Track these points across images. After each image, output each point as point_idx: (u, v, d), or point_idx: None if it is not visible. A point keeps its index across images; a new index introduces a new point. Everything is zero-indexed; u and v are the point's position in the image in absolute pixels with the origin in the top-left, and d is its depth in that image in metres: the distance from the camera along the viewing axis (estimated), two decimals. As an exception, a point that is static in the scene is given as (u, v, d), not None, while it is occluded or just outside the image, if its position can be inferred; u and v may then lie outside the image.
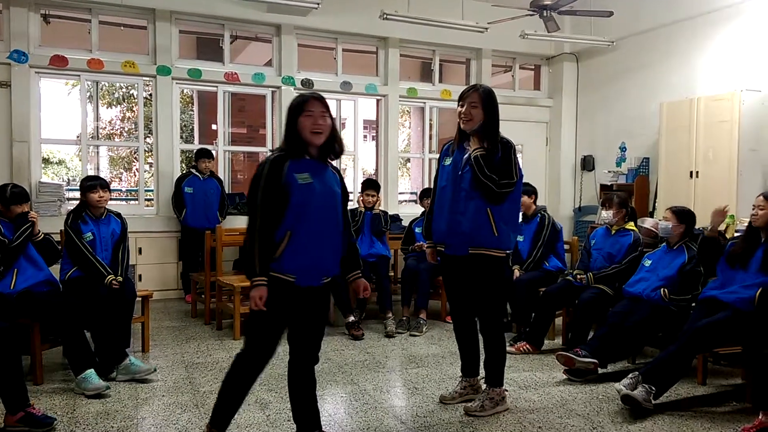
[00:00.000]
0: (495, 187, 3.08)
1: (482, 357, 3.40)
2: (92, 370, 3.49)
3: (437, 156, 8.20)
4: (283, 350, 4.16)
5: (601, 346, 3.83)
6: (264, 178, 2.45)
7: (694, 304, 3.86)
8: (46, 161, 12.34)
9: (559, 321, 4.79)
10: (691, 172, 6.10)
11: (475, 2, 7.01)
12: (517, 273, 4.84)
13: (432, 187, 3.50)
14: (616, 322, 3.88)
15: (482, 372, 3.42)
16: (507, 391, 3.40)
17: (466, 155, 3.19)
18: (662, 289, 3.85)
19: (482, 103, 3.17)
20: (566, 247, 5.30)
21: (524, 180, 5.21)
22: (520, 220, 5.11)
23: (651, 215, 6.48)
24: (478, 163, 3.10)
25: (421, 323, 5.05)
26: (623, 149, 7.29)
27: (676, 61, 6.72)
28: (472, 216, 3.14)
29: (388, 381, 3.82)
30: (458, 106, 3.26)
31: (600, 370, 3.84)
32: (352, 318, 4.91)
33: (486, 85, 3.31)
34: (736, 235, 4.52)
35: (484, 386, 3.39)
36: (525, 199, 4.89)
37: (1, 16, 5.96)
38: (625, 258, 4.32)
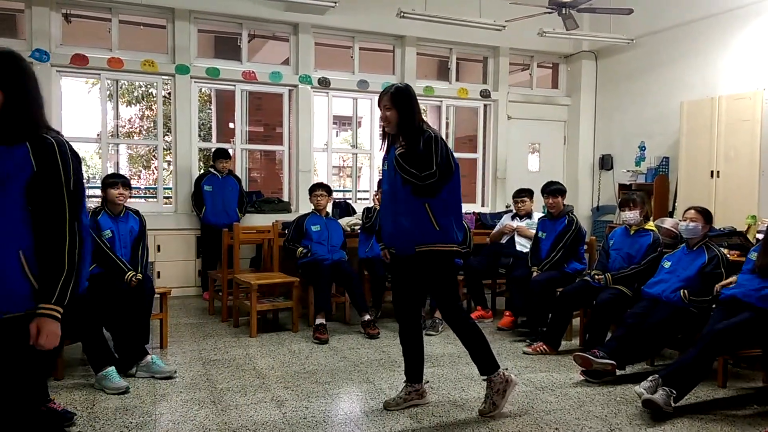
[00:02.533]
0: (418, 180, 3.07)
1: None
2: (113, 367, 3.54)
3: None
4: (297, 348, 4.14)
5: (619, 348, 3.79)
6: None
7: (714, 306, 3.80)
8: (66, 159, 12.49)
9: (576, 322, 4.74)
10: (712, 172, 6.02)
11: (493, 0, 6.96)
12: (535, 273, 4.81)
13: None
14: (635, 323, 3.84)
15: (429, 376, 3.41)
16: (507, 369, 3.36)
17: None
18: (682, 291, 3.80)
19: (393, 104, 3.17)
20: (584, 247, 5.26)
21: (542, 180, 5.26)
22: (542, 217, 5.11)
23: (671, 215, 6.40)
24: (398, 162, 3.11)
25: (437, 323, 5.03)
26: (642, 148, 7.21)
27: (697, 60, 6.62)
28: (411, 215, 3.14)
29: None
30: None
31: (618, 372, 3.80)
32: (367, 316, 4.91)
33: (401, 83, 3.31)
34: (758, 236, 4.46)
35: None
36: (559, 199, 4.90)
37: (23, 16, 6.05)
38: (645, 259, 4.26)
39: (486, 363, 3.26)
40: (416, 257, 3.17)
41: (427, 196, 3.11)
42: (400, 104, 3.17)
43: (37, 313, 1.72)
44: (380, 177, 3.48)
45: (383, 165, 3.36)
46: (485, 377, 3.28)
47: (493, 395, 3.24)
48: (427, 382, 3.47)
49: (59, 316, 1.74)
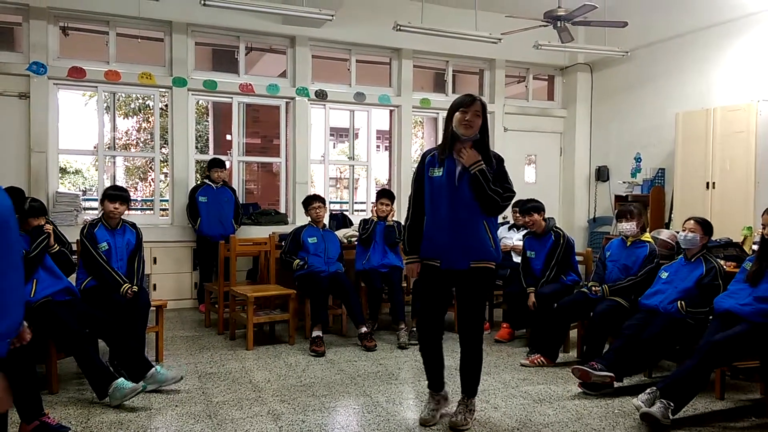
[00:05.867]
0: (500, 200, 3.12)
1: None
2: (120, 379, 3.44)
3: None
4: (294, 361, 4.12)
5: (617, 360, 3.78)
6: None
7: (711, 317, 3.80)
8: (63, 171, 12.52)
9: (573, 334, 4.73)
10: (708, 183, 6.04)
11: (489, 13, 7.02)
12: (532, 298, 4.65)
13: (411, 198, 3.37)
14: (632, 334, 3.83)
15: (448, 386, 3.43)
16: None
17: (459, 167, 3.15)
18: (680, 302, 3.80)
19: (483, 114, 3.20)
20: (580, 258, 5.25)
21: (539, 192, 5.28)
22: (527, 234, 5.10)
23: (667, 227, 6.41)
24: (485, 176, 3.10)
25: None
26: (638, 160, 7.24)
27: (692, 71, 6.67)
28: (472, 230, 3.15)
29: (401, 393, 3.80)
30: (460, 113, 3.14)
31: (616, 384, 3.79)
32: (364, 329, 4.89)
33: None
34: (754, 248, 4.47)
35: (446, 397, 3.42)
36: (536, 216, 4.83)
37: (20, 29, 6.08)
38: (641, 270, 4.25)
39: (474, 385, 3.31)
40: (468, 273, 3.18)
41: (490, 215, 3.18)
42: (484, 115, 3.20)
43: None
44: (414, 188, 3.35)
45: (430, 171, 3.23)
46: (465, 396, 3.31)
47: (466, 413, 3.27)
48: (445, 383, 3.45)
49: None
